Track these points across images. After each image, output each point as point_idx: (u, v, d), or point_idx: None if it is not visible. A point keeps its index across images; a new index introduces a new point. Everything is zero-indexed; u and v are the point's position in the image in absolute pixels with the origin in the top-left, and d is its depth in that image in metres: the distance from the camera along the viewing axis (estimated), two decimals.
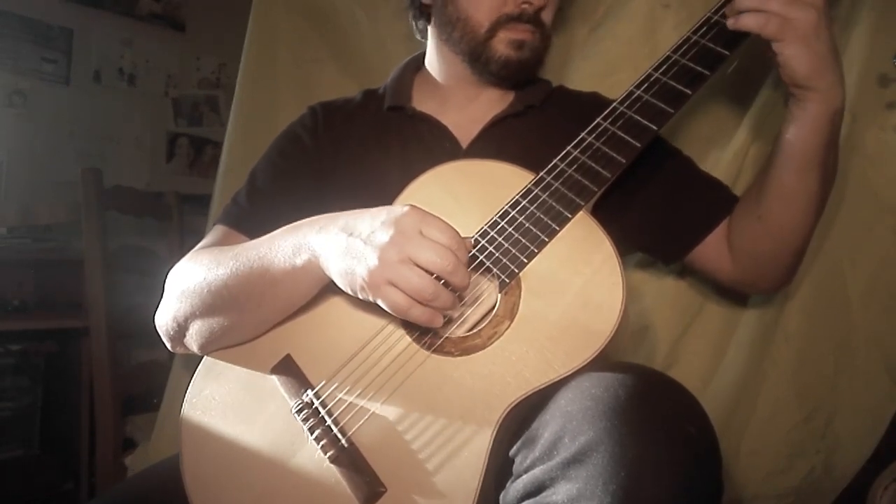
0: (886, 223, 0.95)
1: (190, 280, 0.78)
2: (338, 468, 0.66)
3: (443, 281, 0.63)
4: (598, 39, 1.13)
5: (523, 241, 0.69)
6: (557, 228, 0.69)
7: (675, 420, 0.54)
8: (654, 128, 0.72)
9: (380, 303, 0.64)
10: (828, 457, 0.97)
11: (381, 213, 0.65)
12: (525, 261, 0.68)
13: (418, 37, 0.99)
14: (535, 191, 0.72)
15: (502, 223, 0.71)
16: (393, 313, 0.64)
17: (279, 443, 0.70)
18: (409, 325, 0.69)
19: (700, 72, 0.72)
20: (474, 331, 0.68)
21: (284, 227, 0.74)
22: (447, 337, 0.68)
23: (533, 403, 0.62)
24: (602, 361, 0.63)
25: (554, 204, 0.70)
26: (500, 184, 0.74)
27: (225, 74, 2.83)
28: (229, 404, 0.75)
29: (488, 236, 0.71)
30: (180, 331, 0.80)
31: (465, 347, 0.67)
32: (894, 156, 0.94)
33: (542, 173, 0.73)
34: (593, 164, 0.72)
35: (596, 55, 1.12)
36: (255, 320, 0.76)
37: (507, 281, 0.68)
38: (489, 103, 0.93)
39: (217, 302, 0.75)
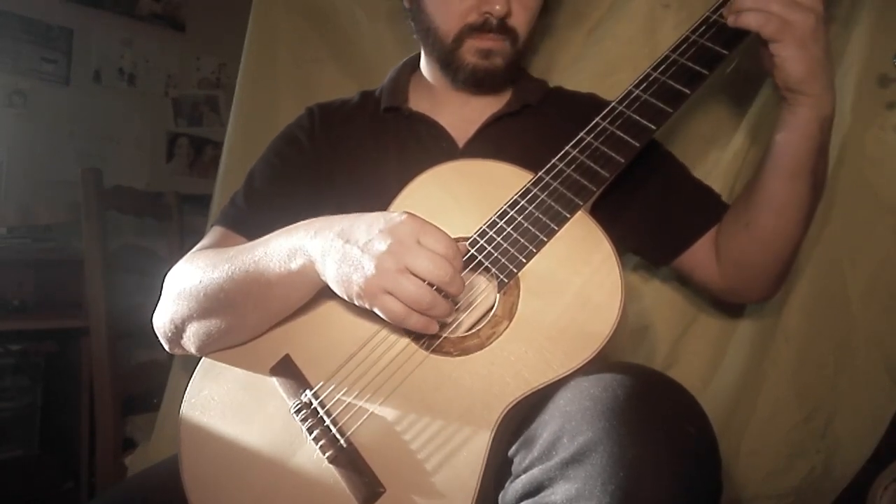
0: (886, 223, 0.95)
1: (187, 282, 0.78)
2: (336, 468, 0.66)
3: (437, 289, 0.63)
4: (598, 39, 1.13)
5: (522, 241, 0.69)
6: (556, 228, 0.69)
7: (675, 420, 0.54)
8: (653, 127, 0.72)
9: (376, 311, 0.64)
10: (828, 457, 0.97)
11: (378, 221, 0.65)
12: (524, 261, 0.68)
13: (415, 37, 0.99)
14: (534, 191, 0.72)
15: (501, 223, 0.71)
16: (389, 321, 0.64)
17: (278, 443, 0.70)
18: None
19: (699, 71, 0.72)
20: (473, 331, 0.68)
21: (280, 230, 0.74)
22: (446, 337, 0.68)
23: (532, 403, 0.62)
24: (601, 361, 0.63)
25: (553, 204, 0.70)
26: (499, 184, 0.74)
27: (225, 74, 2.83)
28: (228, 404, 0.75)
29: (487, 236, 0.71)
30: (177, 333, 0.80)
31: (463, 347, 0.67)
32: (894, 156, 0.94)
33: (540, 173, 0.73)
34: (592, 164, 0.72)
35: (596, 55, 1.12)
36: (251, 323, 0.76)
37: (506, 281, 0.68)
38: (486, 102, 0.93)
39: (213, 305, 0.75)
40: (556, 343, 0.64)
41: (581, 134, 0.74)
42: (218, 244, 0.87)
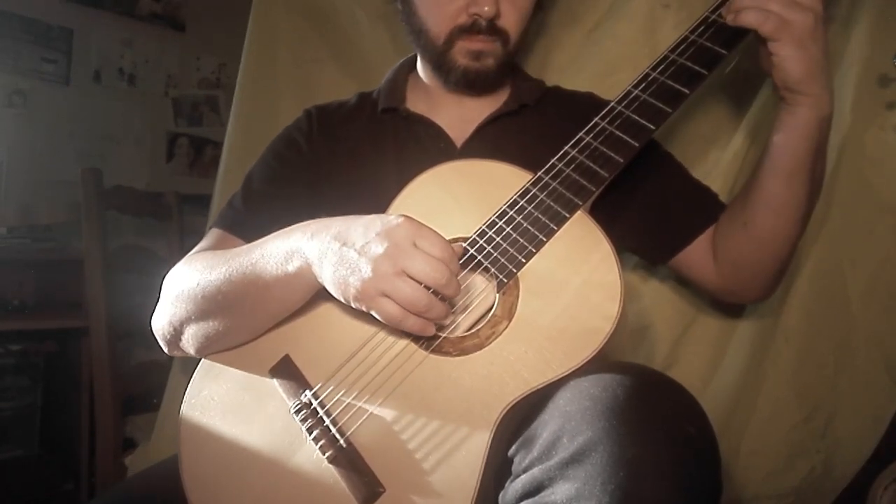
0: (886, 223, 0.95)
1: (185, 284, 0.78)
2: (336, 468, 0.66)
3: (433, 291, 0.63)
4: (598, 39, 1.13)
5: (521, 240, 0.69)
6: (555, 228, 0.69)
7: (675, 420, 0.54)
8: (653, 127, 0.72)
9: (373, 313, 0.64)
10: (828, 457, 0.97)
11: (375, 223, 0.65)
12: (523, 261, 0.68)
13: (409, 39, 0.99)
14: (533, 191, 0.72)
15: (500, 223, 0.71)
16: (387, 323, 0.65)
17: (278, 443, 0.70)
18: None
19: (698, 71, 0.71)
20: (472, 331, 0.68)
21: (277, 233, 0.74)
22: (445, 337, 0.68)
23: (532, 403, 0.62)
24: (601, 361, 0.63)
25: (552, 204, 0.70)
26: (499, 184, 0.74)
27: (225, 74, 2.83)
28: (228, 405, 0.75)
29: (486, 236, 0.71)
30: (176, 335, 0.80)
31: (463, 347, 0.67)
32: (894, 156, 0.94)
33: (539, 173, 0.73)
34: (591, 164, 0.72)
35: (596, 55, 1.12)
36: (249, 325, 0.76)
37: (506, 281, 0.68)
38: (483, 103, 0.92)
39: (211, 307, 0.75)
40: (555, 343, 0.64)
41: (580, 134, 0.74)
42: (216, 246, 0.87)
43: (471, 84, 0.89)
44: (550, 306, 0.66)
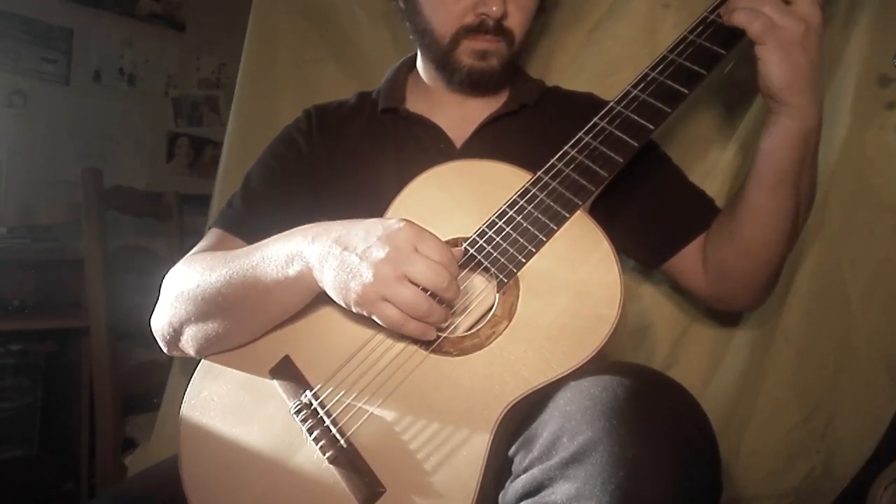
0: (886, 223, 0.95)
1: (185, 285, 0.78)
2: (337, 469, 0.66)
3: (433, 295, 0.63)
4: (598, 39, 1.13)
5: (521, 240, 0.69)
6: (555, 228, 0.69)
7: (675, 420, 0.54)
8: (652, 127, 0.72)
9: (374, 317, 0.64)
10: (828, 457, 0.97)
11: (376, 227, 0.65)
12: (523, 261, 0.68)
13: (411, 38, 0.99)
14: (533, 190, 0.72)
15: (500, 223, 0.71)
16: (388, 328, 0.65)
17: (278, 443, 0.70)
18: None
19: (697, 71, 0.71)
20: (473, 331, 0.68)
21: (278, 235, 0.74)
22: (446, 337, 0.68)
23: (532, 403, 0.62)
24: (601, 361, 0.63)
25: (552, 204, 0.70)
26: (498, 184, 0.74)
27: (225, 74, 2.83)
28: (228, 405, 0.75)
29: (486, 236, 0.71)
30: (175, 335, 0.80)
31: (463, 347, 0.67)
32: (894, 156, 0.94)
33: (539, 173, 0.73)
34: (591, 164, 0.72)
35: (596, 55, 1.12)
36: (249, 327, 0.76)
37: (506, 281, 0.68)
38: (482, 103, 0.92)
39: (211, 308, 0.75)
40: (555, 343, 0.64)
41: (580, 134, 0.74)
42: (215, 246, 0.87)
43: (475, 84, 0.89)
44: (550, 306, 0.66)
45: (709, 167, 1.03)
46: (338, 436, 0.67)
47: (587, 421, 0.54)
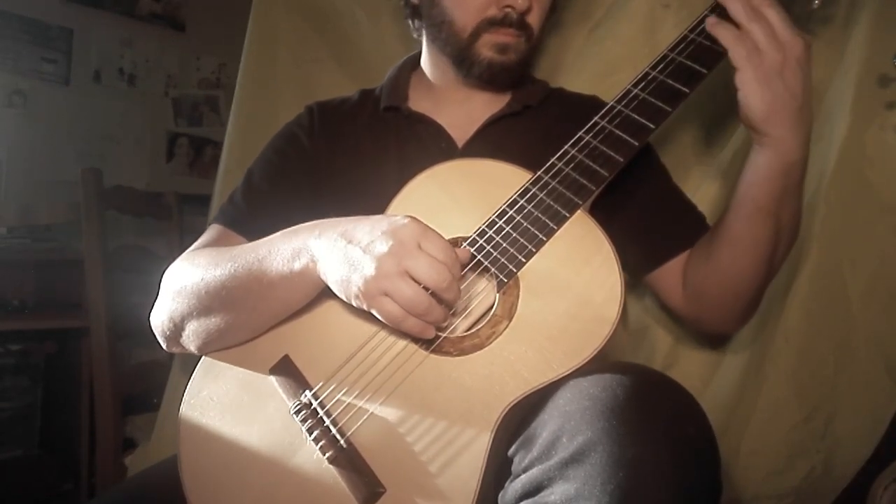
0: (886, 223, 0.95)
1: (187, 280, 0.78)
2: (336, 468, 0.66)
3: (434, 294, 0.63)
4: (598, 39, 1.13)
5: (521, 240, 0.69)
6: (556, 228, 0.69)
7: (674, 420, 0.54)
8: (652, 126, 0.72)
9: (374, 312, 0.64)
10: (828, 457, 0.97)
11: (381, 223, 0.65)
12: (523, 260, 0.68)
13: (415, 35, 0.99)
14: (533, 190, 0.72)
15: (500, 223, 0.71)
16: (387, 323, 0.65)
17: (278, 443, 0.70)
18: None
19: (697, 70, 0.71)
20: (473, 331, 0.68)
21: (284, 231, 0.74)
22: (446, 337, 0.68)
23: (532, 403, 0.62)
24: (601, 361, 0.63)
25: (552, 203, 0.70)
26: (499, 183, 0.74)
27: (225, 74, 2.83)
28: (227, 405, 0.75)
29: (486, 236, 0.71)
30: (176, 331, 0.80)
31: (463, 347, 0.67)
32: (894, 156, 0.93)
33: (539, 172, 0.73)
34: (591, 164, 0.72)
35: (596, 55, 1.12)
36: (251, 322, 0.76)
37: (506, 281, 0.68)
38: (485, 103, 0.92)
39: (214, 303, 0.75)
40: (555, 343, 0.64)
41: (580, 133, 0.74)
42: (216, 242, 0.87)
43: (493, 78, 0.89)
44: (551, 306, 0.66)
45: (709, 167, 1.03)
46: (338, 436, 0.67)
47: (587, 421, 0.54)
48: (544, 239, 0.69)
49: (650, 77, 0.74)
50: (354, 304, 0.66)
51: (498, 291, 0.69)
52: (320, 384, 0.70)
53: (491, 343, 0.66)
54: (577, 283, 0.66)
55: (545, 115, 0.93)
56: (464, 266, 0.70)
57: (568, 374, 0.62)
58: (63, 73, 2.42)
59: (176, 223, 1.56)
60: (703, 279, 0.82)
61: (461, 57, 0.88)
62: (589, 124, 0.74)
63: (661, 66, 0.73)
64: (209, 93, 2.84)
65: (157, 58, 2.68)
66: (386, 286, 0.62)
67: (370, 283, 0.62)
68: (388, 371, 0.68)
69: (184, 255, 0.84)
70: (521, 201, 0.72)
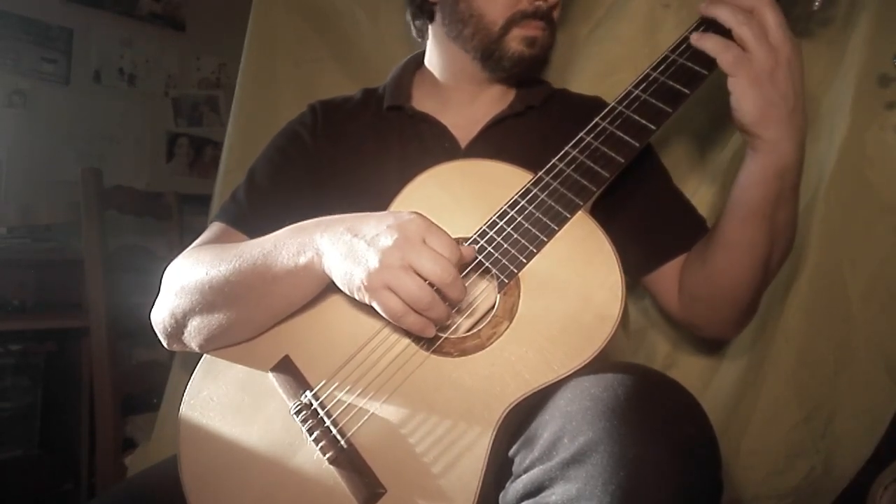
0: (886, 223, 0.95)
1: (190, 276, 0.78)
2: (337, 469, 0.66)
3: (436, 289, 0.63)
4: (598, 39, 1.13)
5: (522, 241, 0.69)
6: (556, 228, 0.69)
7: (675, 420, 0.54)
8: (653, 127, 0.72)
9: (375, 306, 0.64)
10: (828, 457, 0.97)
11: (387, 218, 0.66)
12: (524, 261, 0.68)
13: (415, 35, 0.99)
14: (534, 191, 0.72)
15: (501, 223, 0.71)
16: (388, 318, 0.65)
17: (278, 444, 0.70)
18: None
19: (698, 71, 0.71)
20: (473, 331, 0.68)
21: (289, 227, 0.74)
22: (446, 337, 0.68)
23: (532, 403, 0.62)
24: (601, 361, 0.63)
25: (553, 204, 0.70)
26: (499, 184, 0.74)
27: (225, 74, 2.83)
28: (227, 405, 0.75)
29: (487, 236, 0.71)
30: (178, 327, 0.80)
31: (464, 348, 0.67)
32: (894, 156, 0.93)
33: (540, 173, 0.73)
34: (592, 164, 0.72)
35: (596, 55, 1.12)
36: (254, 319, 0.76)
37: (506, 281, 0.68)
38: (490, 103, 0.92)
39: (217, 299, 0.75)
40: (556, 343, 0.64)
41: (581, 134, 0.74)
42: (217, 240, 0.87)
43: (522, 71, 0.90)
44: (551, 307, 0.66)
45: (709, 168, 1.03)
46: (338, 436, 0.67)
47: (588, 421, 0.54)
48: (545, 239, 0.69)
49: (651, 78, 0.74)
50: (357, 298, 0.66)
51: (499, 292, 0.69)
52: (321, 384, 0.70)
53: (492, 344, 0.66)
54: (577, 283, 0.66)
55: (548, 115, 0.93)
56: (468, 264, 0.70)
57: (569, 375, 0.62)
58: (63, 73, 2.42)
59: (176, 223, 1.56)
60: (698, 283, 0.82)
61: (489, 51, 0.88)
62: (590, 125, 0.75)
63: (662, 67, 0.74)
64: (209, 93, 2.84)
65: (157, 58, 2.68)
66: (389, 279, 0.62)
67: (373, 275, 0.62)
68: (389, 371, 0.68)
69: (185, 252, 0.84)
70: (522, 202, 0.72)
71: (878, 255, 0.95)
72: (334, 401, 0.69)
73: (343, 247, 0.66)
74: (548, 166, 0.73)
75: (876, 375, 0.96)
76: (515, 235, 0.70)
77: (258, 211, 0.89)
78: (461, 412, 0.64)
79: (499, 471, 0.62)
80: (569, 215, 0.69)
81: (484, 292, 0.71)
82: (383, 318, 0.69)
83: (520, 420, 0.62)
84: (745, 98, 0.67)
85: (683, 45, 0.73)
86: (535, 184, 0.73)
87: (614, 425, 0.52)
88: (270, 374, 0.74)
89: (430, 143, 0.91)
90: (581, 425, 0.54)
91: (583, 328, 0.64)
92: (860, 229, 0.96)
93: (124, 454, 1.28)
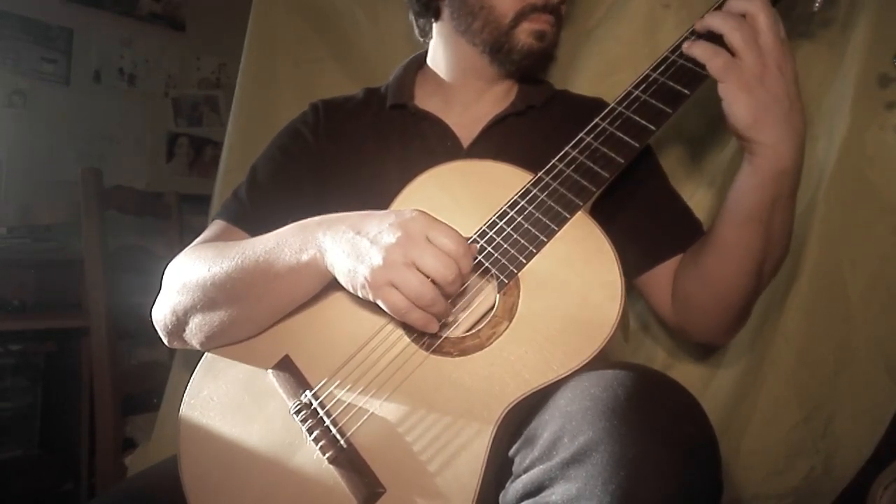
0: (886, 223, 0.95)
1: (191, 273, 0.78)
2: (337, 469, 0.66)
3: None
4: (598, 39, 1.13)
5: (522, 241, 0.69)
6: (556, 229, 0.69)
7: (675, 420, 0.54)
8: (653, 128, 0.72)
9: (379, 303, 0.64)
10: (828, 457, 0.97)
11: (390, 215, 0.66)
12: (524, 261, 0.68)
13: (417, 34, 0.99)
14: (534, 191, 0.72)
15: (501, 223, 0.71)
16: (391, 314, 0.65)
17: (278, 443, 0.70)
18: (409, 326, 0.69)
19: (698, 72, 0.71)
20: (473, 331, 0.68)
21: (292, 225, 0.74)
22: (446, 337, 0.68)
23: (532, 403, 0.62)
24: (601, 361, 0.63)
25: (553, 204, 0.70)
26: (499, 184, 0.74)
27: (225, 74, 2.83)
28: (228, 405, 0.75)
29: (487, 237, 0.71)
30: (179, 325, 0.80)
31: (463, 348, 0.67)
32: (894, 156, 0.94)
33: (540, 173, 0.73)
34: (592, 165, 0.72)
35: (596, 55, 1.12)
36: (256, 316, 0.76)
37: (506, 281, 0.68)
38: (493, 101, 0.93)
39: (219, 296, 0.75)
40: (555, 343, 0.64)
41: (581, 134, 0.74)
42: (218, 238, 0.87)
43: (530, 65, 0.89)
44: (551, 307, 0.66)
45: (709, 168, 1.03)
46: (338, 436, 0.67)
47: (588, 421, 0.54)
48: (545, 240, 0.69)
49: (651, 79, 0.74)
50: (360, 295, 0.66)
51: (498, 292, 0.69)
52: (320, 384, 0.70)
53: (491, 343, 0.66)
54: (577, 283, 0.66)
55: (549, 115, 0.93)
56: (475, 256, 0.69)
57: (568, 375, 0.62)
58: (63, 73, 2.42)
59: (176, 223, 1.56)
60: (692, 286, 0.82)
61: (499, 44, 0.88)
62: (590, 126, 0.75)
63: (662, 67, 0.74)
64: (209, 93, 2.84)
65: (157, 58, 2.68)
66: (392, 276, 0.62)
67: (377, 272, 0.63)
68: (389, 371, 0.68)
69: (187, 249, 0.84)
70: (522, 202, 0.72)
71: (878, 255, 0.95)
72: (334, 400, 0.69)
73: (346, 244, 0.66)
74: (548, 167, 0.73)
75: (876, 375, 0.96)
76: (515, 236, 0.70)
77: (259, 209, 0.89)
78: (461, 412, 0.64)
79: (499, 470, 0.62)
80: (568, 216, 0.69)
81: (484, 292, 0.71)
82: (382, 317, 0.69)
83: (520, 420, 0.62)
84: (736, 103, 0.67)
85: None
86: (534, 184, 0.73)
87: (614, 425, 0.52)
88: (270, 374, 0.74)
89: (432, 142, 0.91)
90: (581, 425, 0.54)
91: (582, 328, 0.64)
92: (860, 229, 0.96)
93: (124, 454, 1.28)
